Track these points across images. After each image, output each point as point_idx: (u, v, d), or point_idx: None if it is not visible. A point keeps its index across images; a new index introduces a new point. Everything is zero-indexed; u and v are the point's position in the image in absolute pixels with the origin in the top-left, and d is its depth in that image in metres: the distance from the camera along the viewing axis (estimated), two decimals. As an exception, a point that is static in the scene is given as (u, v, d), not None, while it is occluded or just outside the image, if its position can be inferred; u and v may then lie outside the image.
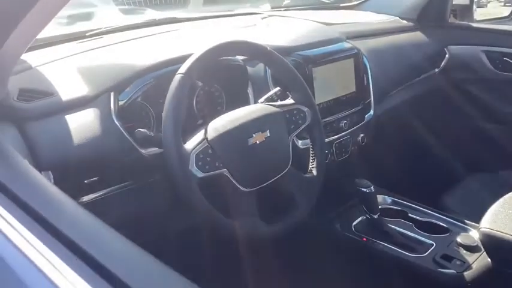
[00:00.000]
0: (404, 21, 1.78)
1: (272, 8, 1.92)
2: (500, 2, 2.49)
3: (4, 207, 0.59)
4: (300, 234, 1.09)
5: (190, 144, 0.86)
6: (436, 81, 1.75)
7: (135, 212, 0.97)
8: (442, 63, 1.76)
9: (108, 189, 0.92)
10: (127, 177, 0.95)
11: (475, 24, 1.82)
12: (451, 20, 1.83)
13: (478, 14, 1.93)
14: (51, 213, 0.57)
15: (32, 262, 0.51)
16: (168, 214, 1.00)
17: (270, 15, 1.64)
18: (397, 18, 1.79)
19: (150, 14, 1.57)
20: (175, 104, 0.84)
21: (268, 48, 1.00)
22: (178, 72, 0.87)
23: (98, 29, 1.28)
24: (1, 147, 0.74)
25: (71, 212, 0.61)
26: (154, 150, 0.95)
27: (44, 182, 0.68)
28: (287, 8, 1.91)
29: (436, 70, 1.75)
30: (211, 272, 1.05)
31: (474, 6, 1.91)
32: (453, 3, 1.81)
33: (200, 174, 0.84)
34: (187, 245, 1.03)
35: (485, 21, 1.92)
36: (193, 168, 0.84)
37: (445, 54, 1.76)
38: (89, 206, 0.88)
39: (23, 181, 0.66)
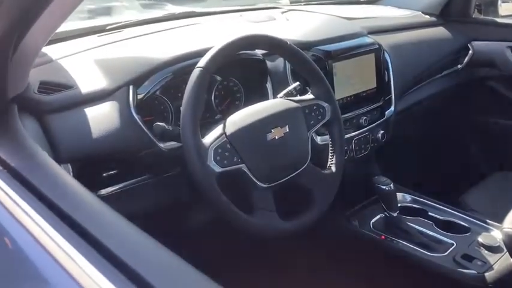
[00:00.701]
0: (427, 16, 1.75)
1: (292, 2, 1.90)
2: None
3: (23, 198, 0.60)
4: (318, 231, 1.08)
5: (208, 139, 0.85)
6: (459, 78, 1.72)
7: (153, 205, 0.97)
8: (466, 60, 1.72)
9: (126, 183, 0.92)
10: (145, 171, 0.95)
11: (500, 20, 1.79)
12: (475, 15, 1.80)
13: (503, 9, 1.89)
14: (68, 204, 0.58)
15: (48, 252, 0.52)
16: (185, 208, 1.00)
17: (290, 9, 1.62)
18: (420, 13, 1.76)
19: (169, 8, 1.57)
20: (193, 98, 0.83)
21: (288, 43, 0.99)
22: (197, 66, 0.86)
23: (118, 22, 1.28)
24: (21, 138, 0.75)
25: (87, 204, 0.62)
26: (172, 144, 0.94)
27: (63, 174, 0.68)
28: (307, 2, 1.89)
29: (459, 66, 1.72)
30: (225, 267, 1.04)
31: (499, 1, 1.88)
32: (477, -3, 1.78)
33: (218, 169, 0.83)
34: (204, 238, 1.02)
35: (511, 16, 1.87)
36: (212, 163, 0.83)
37: (469, 50, 1.73)
38: (107, 199, 0.89)
39: (42, 173, 0.67)
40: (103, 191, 0.89)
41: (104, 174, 0.89)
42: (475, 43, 1.74)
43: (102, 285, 0.45)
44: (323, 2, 1.92)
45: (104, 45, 1.10)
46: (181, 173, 0.96)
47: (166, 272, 0.48)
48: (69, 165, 0.84)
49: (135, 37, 1.17)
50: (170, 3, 1.57)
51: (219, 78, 1.07)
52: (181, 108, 0.84)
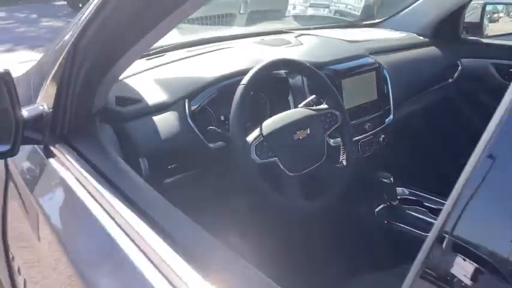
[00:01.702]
0: (421, 38, 1.99)
1: (302, 26, 2.16)
2: (511, 17, 2.69)
3: (106, 190, 0.78)
4: (330, 216, 1.33)
5: (249, 138, 1.11)
6: (449, 91, 1.97)
7: (203, 192, 1.23)
8: (455, 75, 1.97)
9: (184, 174, 1.18)
10: (198, 165, 1.21)
11: (485, 40, 2.03)
12: (463, 35, 2.05)
13: (490, 29, 2.15)
14: (135, 194, 0.76)
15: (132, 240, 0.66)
16: (228, 196, 1.26)
17: (301, 34, 1.89)
18: (414, 35, 2.00)
19: (200, 33, 1.83)
20: (239, 108, 1.10)
21: (307, 64, 1.26)
22: (241, 83, 1.13)
23: (160, 47, 1.54)
24: (102, 143, 0.97)
25: (148, 194, 0.80)
26: (218, 144, 1.21)
27: (129, 170, 0.88)
28: (315, 27, 2.16)
29: (450, 80, 1.97)
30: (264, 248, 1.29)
31: (486, 22, 2.12)
32: (465, 20, 2.04)
33: (258, 161, 1.10)
34: (243, 222, 1.28)
35: (495, 36, 2.13)
36: (253, 156, 1.09)
37: (458, 66, 1.97)
38: (171, 185, 1.15)
39: (116, 169, 0.87)
40: (168, 180, 1.15)
41: (169, 167, 1.15)
42: (464, 60, 1.98)
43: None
44: (330, 26, 2.19)
45: (159, 66, 1.36)
46: (225, 167, 1.22)
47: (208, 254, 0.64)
48: (145, 159, 1.09)
49: (179, 60, 1.44)
50: (200, 28, 1.84)
51: (251, 92, 1.34)
52: (230, 115, 1.10)
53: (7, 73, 0.83)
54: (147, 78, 1.27)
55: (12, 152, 0.86)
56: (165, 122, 1.16)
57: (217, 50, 1.54)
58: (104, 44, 0.90)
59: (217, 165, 1.22)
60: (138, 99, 1.18)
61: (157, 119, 1.15)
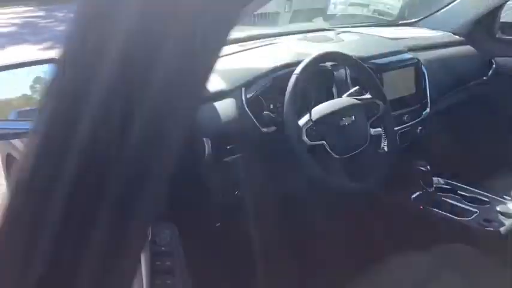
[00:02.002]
0: (456, 36, 2.07)
1: (342, 24, 2.27)
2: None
3: None
4: (369, 199, 1.44)
5: (300, 122, 1.24)
6: (483, 88, 2.04)
7: (256, 173, 1.35)
8: (490, 73, 2.05)
9: (239, 155, 1.31)
10: (252, 146, 1.34)
11: (519, 39, 2.11)
12: (499, 35, 2.12)
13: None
14: None
15: None
16: (275, 177, 1.38)
17: (342, 31, 2.00)
18: (450, 33, 2.08)
19: (250, 29, 1.96)
20: (293, 95, 1.22)
21: (355, 58, 1.37)
22: (294, 73, 1.25)
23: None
24: None
25: None
26: (270, 129, 1.33)
27: None
28: (354, 25, 2.26)
29: (484, 78, 2.05)
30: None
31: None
32: (500, 20, 2.11)
33: (308, 143, 1.22)
34: (290, 201, 1.40)
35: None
36: (304, 138, 1.22)
37: (493, 64, 2.05)
38: (229, 164, 1.28)
39: None
40: (226, 159, 1.28)
41: (227, 147, 1.28)
42: (498, 59, 2.06)
43: None
44: (368, 24, 2.29)
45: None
46: (275, 149, 1.35)
47: None
48: (209, 140, 1.23)
49: (234, 53, 1.57)
50: (249, 26, 1.97)
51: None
52: (284, 102, 1.23)
53: None
54: None
55: None
56: (225, 107, 1.29)
57: (266, 45, 1.67)
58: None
59: (269, 147, 1.35)
60: None
61: (218, 104, 1.29)
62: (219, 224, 1.38)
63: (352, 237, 1.50)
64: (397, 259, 1.32)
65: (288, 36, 1.89)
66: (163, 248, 1.04)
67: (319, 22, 2.12)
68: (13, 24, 9.60)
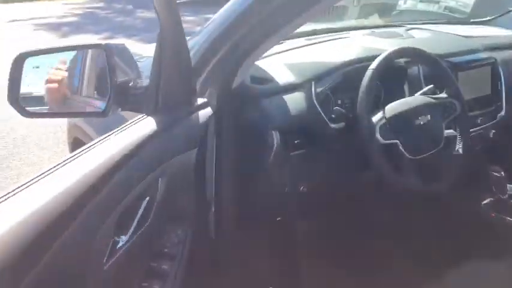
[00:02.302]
0: (533, 37, 1.97)
1: (411, 20, 2.19)
2: None
3: None
4: (438, 202, 1.38)
5: (374, 119, 1.20)
6: None
7: (322, 169, 1.32)
8: None
9: (306, 149, 1.28)
10: (319, 142, 1.30)
11: None
12: None
13: None
14: None
15: None
16: (342, 175, 1.35)
17: (412, 28, 1.93)
18: (526, 33, 1.98)
19: (317, 23, 1.92)
20: (368, 90, 1.18)
21: (433, 55, 1.31)
22: (370, 67, 1.21)
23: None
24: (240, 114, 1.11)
25: None
26: (338, 125, 1.30)
27: None
28: (424, 22, 2.17)
29: None
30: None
31: None
32: None
33: (382, 141, 1.18)
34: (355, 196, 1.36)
35: None
36: (377, 136, 1.17)
37: None
38: (295, 158, 1.25)
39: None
40: (293, 153, 1.25)
41: (295, 141, 1.25)
42: None
43: None
44: (437, 21, 2.20)
45: (283, 52, 1.47)
46: (342, 146, 1.31)
47: None
48: (277, 132, 1.21)
49: (302, 46, 1.54)
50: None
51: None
52: (358, 97, 1.19)
53: (107, 45, 0.94)
54: (275, 62, 1.39)
55: (104, 114, 0.94)
56: (294, 101, 1.26)
57: (334, 39, 1.63)
58: (252, 29, 1.02)
59: (337, 143, 1.31)
60: (270, 79, 1.29)
61: (287, 97, 1.26)
62: (279, 218, 1.36)
63: (419, 240, 1.45)
64: (466, 266, 1.27)
65: (356, 31, 1.84)
66: (165, 250, 0.96)
67: (387, 18, 2.05)
68: (75, 15, 9.99)
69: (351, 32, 1.83)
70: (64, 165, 0.80)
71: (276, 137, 1.21)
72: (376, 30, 1.83)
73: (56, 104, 1.00)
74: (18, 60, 0.94)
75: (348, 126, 1.28)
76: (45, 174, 0.77)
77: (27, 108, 0.96)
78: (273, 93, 1.27)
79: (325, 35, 1.71)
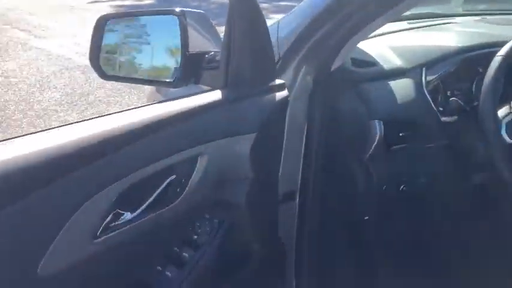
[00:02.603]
0: None
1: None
2: None
3: None
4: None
5: (500, 114, 1.03)
6: None
7: (427, 167, 1.17)
8: None
9: (410, 144, 1.13)
10: (426, 137, 1.15)
11: None
12: None
13: None
14: None
15: None
16: (450, 175, 1.18)
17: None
18: None
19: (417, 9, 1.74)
20: (496, 80, 1.01)
21: None
22: (498, 54, 1.04)
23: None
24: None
25: None
26: (449, 118, 1.14)
27: None
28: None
29: None
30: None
31: None
32: None
33: (508, 141, 1.01)
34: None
35: None
36: (503, 134, 1.00)
37: None
38: (397, 153, 1.11)
39: None
40: (395, 147, 1.10)
41: (400, 134, 1.11)
42: None
43: None
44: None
45: (385, 34, 1.32)
46: (451, 143, 1.15)
47: None
48: (381, 122, 1.07)
49: (405, 30, 1.39)
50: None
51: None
52: (482, 88, 1.02)
53: (183, 14, 0.87)
54: (378, 44, 1.24)
55: (173, 84, 0.91)
56: (401, 88, 1.12)
57: (443, 23, 1.45)
58: (359, 7, 0.90)
59: (446, 138, 1.15)
60: (373, 63, 1.15)
61: (393, 83, 1.12)
62: (367, 217, 1.23)
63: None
64: None
65: (463, 18, 1.65)
66: (195, 237, 0.88)
67: (496, 4, 1.83)
68: (152, -3, 10.18)
69: (456, 18, 1.64)
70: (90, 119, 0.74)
71: (379, 127, 1.07)
72: (488, 17, 1.64)
73: (130, 69, 1.01)
74: (99, 22, 0.96)
75: (461, 120, 1.11)
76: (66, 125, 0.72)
77: (104, 70, 0.97)
78: (377, 78, 1.13)
79: (429, 19, 1.54)
